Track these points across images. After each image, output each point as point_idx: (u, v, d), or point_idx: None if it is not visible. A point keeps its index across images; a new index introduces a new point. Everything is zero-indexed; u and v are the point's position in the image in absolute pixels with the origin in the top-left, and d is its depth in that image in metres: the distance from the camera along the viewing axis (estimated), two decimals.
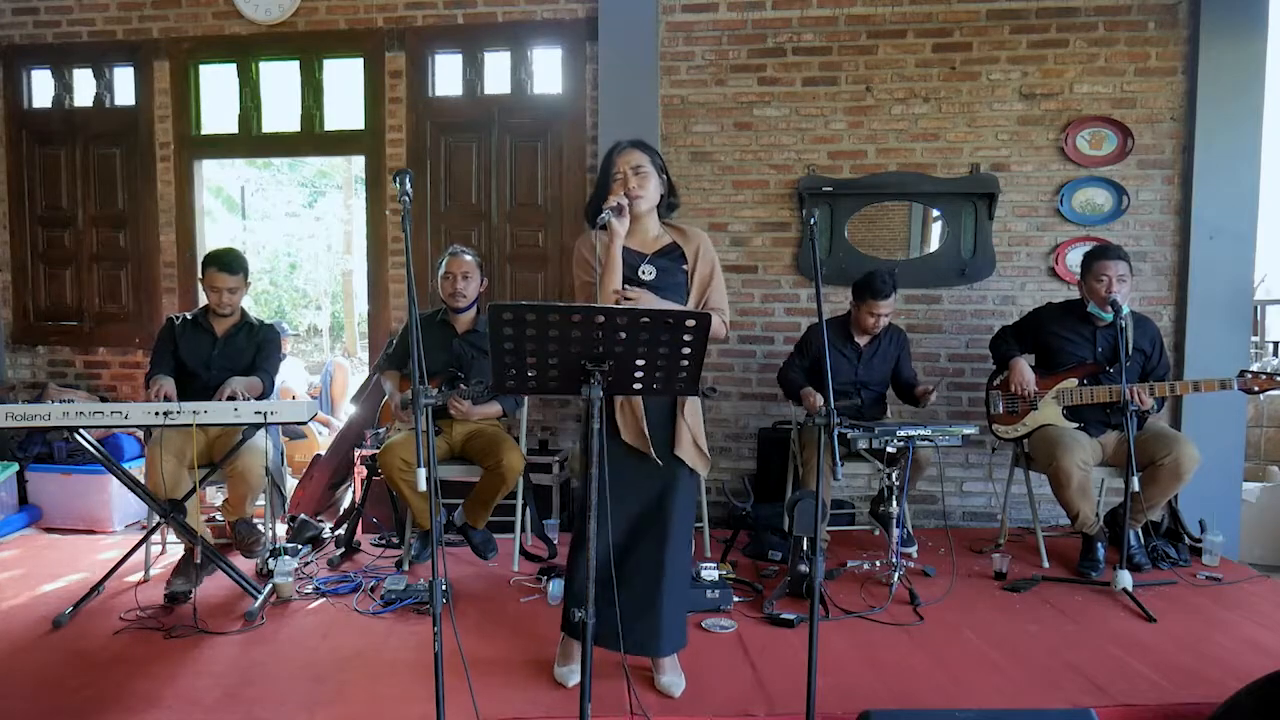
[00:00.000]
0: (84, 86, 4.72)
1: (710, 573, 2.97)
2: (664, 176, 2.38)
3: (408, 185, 1.95)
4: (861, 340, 3.66)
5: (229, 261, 3.41)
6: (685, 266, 2.35)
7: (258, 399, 3.32)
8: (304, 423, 3.46)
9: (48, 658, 2.58)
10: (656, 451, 2.28)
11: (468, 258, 3.48)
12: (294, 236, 14.23)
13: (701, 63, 4.30)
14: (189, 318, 3.52)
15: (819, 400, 3.45)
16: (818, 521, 2.21)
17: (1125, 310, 3.36)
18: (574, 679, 2.33)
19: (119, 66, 4.68)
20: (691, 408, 2.34)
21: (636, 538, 2.29)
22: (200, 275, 3.52)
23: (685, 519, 2.36)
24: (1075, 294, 3.60)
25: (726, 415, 4.39)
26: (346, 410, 5.31)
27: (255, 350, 3.46)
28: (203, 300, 3.54)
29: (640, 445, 2.28)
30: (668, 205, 2.42)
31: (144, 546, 3.11)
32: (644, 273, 2.30)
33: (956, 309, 4.29)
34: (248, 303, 3.63)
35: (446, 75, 4.54)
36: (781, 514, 3.51)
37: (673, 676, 2.33)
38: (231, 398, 3.16)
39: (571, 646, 2.39)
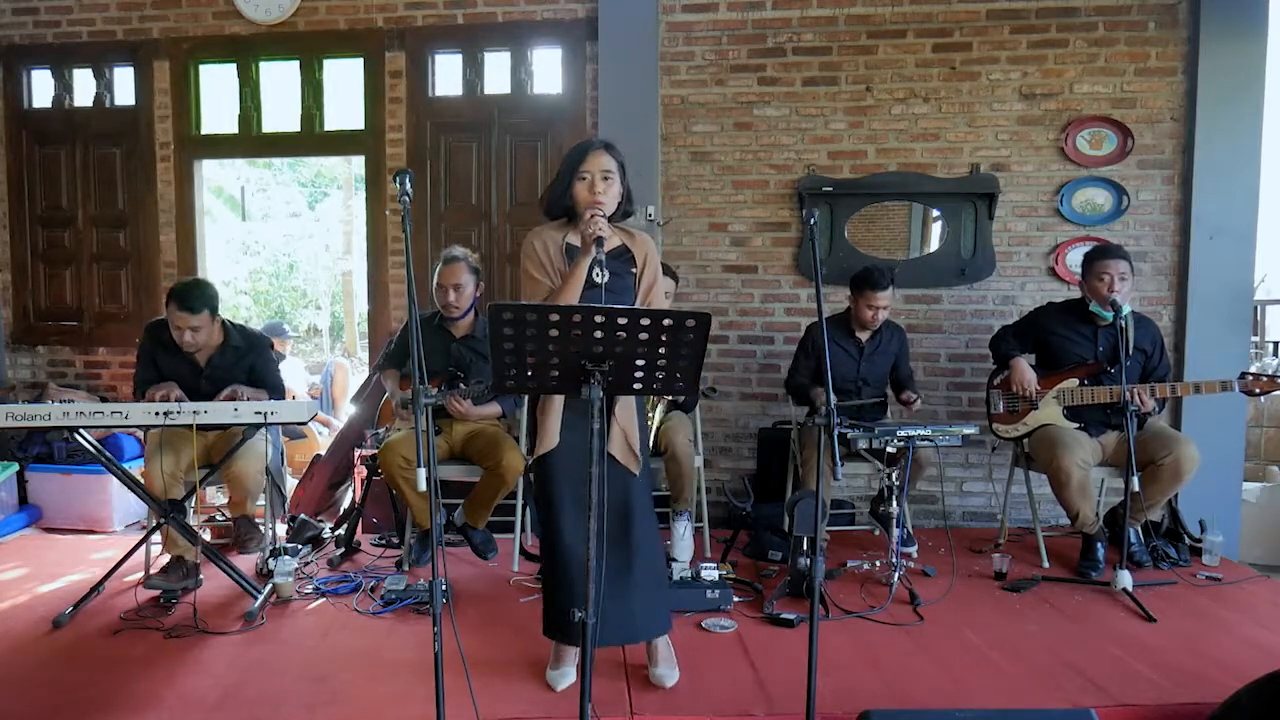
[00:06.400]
0: (84, 86, 4.72)
1: (710, 573, 2.97)
2: (624, 183, 2.38)
3: (408, 185, 1.95)
4: (862, 336, 3.67)
5: (190, 300, 3.11)
6: (634, 270, 2.38)
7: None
8: (304, 423, 3.46)
9: (48, 658, 2.58)
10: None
11: (459, 264, 3.37)
12: (293, 237, 14.21)
13: (701, 63, 4.30)
14: (166, 338, 3.24)
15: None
16: (818, 521, 2.21)
17: (1126, 310, 3.36)
18: (564, 682, 2.34)
19: (119, 66, 4.68)
20: (624, 406, 2.34)
21: (602, 534, 2.29)
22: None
23: (646, 510, 2.36)
24: (1076, 294, 3.60)
25: (726, 415, 4.39)
26: (346, 410, 5.31)
27: (249, 371, 3.30)
28: None
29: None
30: (623, 213, 2.42)
31: (144, 546, 3.10)
32: (597, 275, 2.28)
33: (956, 309, 4.29)
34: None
35: (446, 75, 4.54)
36: (781, 514, 3.51)
37: (666, 669, 2.34)
38: (232, 397, 3.14)
39: (562, 651, 2.39)
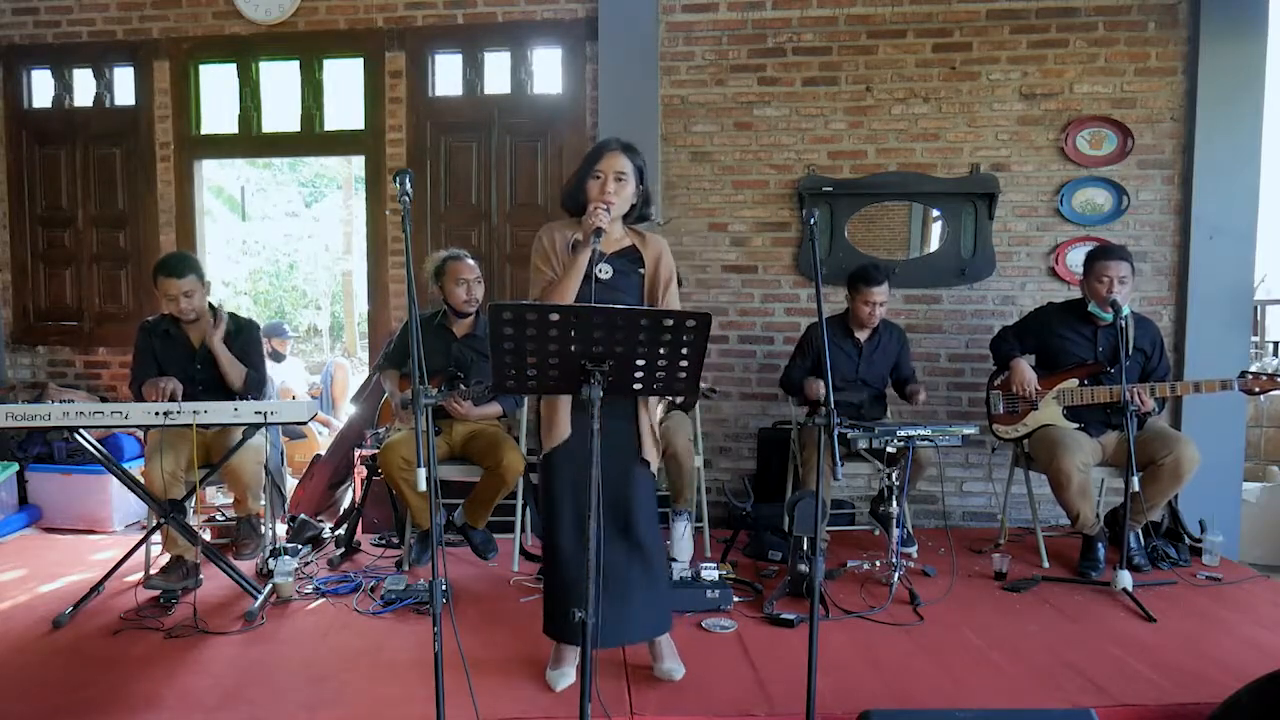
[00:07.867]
0: (84, 86, 4.72)
1: (710, 573, 2.97)
2: (642, 186, 2.36)
3: (408, 185, 1.95)
4: (861, 335, 3.67)
5: (175, 265, 3.25)
6: (641, 270, 2.36)
7: (254, 392, 3.31)
8: (304, 423, 3.46)
9: (48, 658, 2.58)
10: (618, 451, 2.28)
11: (471, 261, 3.48)
12: (293, 236, 14.21)
13: (701, 63, 4.30)
14: (161, 329, 3.35)
15: (820, 386, 3.45)
16: (818, 521, 2.21)
17: (1126, 311, 3.37)
18: (563, 682, 2.34)
19: (119, 66, 4.68)
20: (651, 406, 2.34)
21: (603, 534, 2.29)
22: (155, 288, 3.32)
23: (648, 509, 2.35)
24: (1076, 294, 3.60)
25: (726, 415, 4.39)
26: (346, 410, 5.31)
27: (239, 352, 3.34)
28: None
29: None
30: (639, 216, 2.41)
31: (144, 546, 3.10)
32: (601, 271, 2.29)
33: (956, 309, 4.29)
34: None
35: (446, 75, 4.54)
36: (781, 514, 3.51)
37: (671, 663, 2.35)
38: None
39: (562, 651, 2.39)
